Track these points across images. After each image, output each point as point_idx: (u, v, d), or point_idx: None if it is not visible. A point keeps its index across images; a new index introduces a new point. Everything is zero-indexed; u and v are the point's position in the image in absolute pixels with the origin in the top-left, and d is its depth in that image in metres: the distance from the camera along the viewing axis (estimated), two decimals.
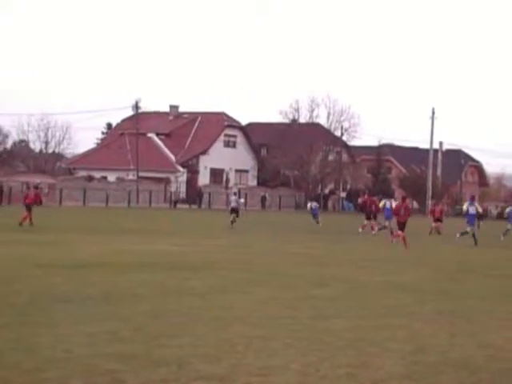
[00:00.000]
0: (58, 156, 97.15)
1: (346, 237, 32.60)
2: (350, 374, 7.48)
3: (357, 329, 9.87)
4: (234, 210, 37.44)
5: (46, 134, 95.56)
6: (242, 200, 57.02)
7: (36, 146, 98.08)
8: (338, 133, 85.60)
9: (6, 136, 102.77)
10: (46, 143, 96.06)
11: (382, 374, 7.52)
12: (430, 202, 47.42)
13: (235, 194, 45.36)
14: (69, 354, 7.91)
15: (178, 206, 69.61)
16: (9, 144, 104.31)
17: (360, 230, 34.53)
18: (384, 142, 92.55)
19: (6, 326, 9.24)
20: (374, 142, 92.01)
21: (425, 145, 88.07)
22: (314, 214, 42.91)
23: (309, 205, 45.26)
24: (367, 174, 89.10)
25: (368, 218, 35.61)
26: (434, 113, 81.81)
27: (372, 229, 34.76)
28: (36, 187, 36.75)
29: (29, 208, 31.81)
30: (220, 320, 10.21)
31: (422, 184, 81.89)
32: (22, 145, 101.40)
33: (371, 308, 11.70)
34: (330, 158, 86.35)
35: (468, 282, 16.18)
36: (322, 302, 12.21)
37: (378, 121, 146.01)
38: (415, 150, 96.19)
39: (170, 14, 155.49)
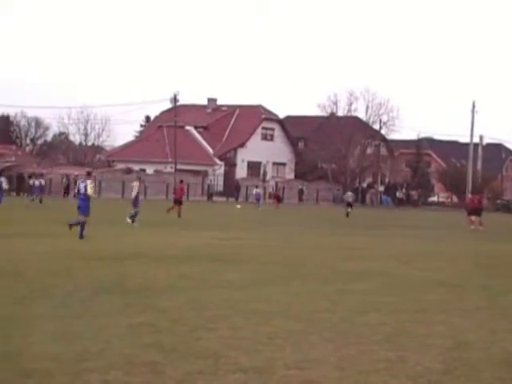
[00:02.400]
0: (97, 148, 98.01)
1: (385, 231, 32.42)
2: (388, 369, 7.46)
3: (395, 323, 9.82)
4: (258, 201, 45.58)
5: (86, 127, 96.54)
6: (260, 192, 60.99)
7: (76, 138, 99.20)
8: (376, 126, 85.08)
9: (47, 128, 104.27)
10: (86, 136, 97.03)
11: (421, 370, 7.48)
12: (469, 196, 47.23)
13: (257, 187, 47.64)
14: (108, 345, 8.00)
15: (215, 198, 69.78)
16: (49, 136, 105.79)
17: (471, 227, 35.22)
18: (423, 135, 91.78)
19: (48, 318, 9.36)
20: (412, 136, 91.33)
21: (465, 139, 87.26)
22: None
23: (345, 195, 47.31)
24: (406, 168, 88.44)
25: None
26: (474, 106, 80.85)
27: (472, 223, 35.46)
28: (181, 181, 38.12)
29: (179, 202, 32.92)
30: (258, 313, 10.23)
31: (461, 178, 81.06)
32: (62, 137, 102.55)
33: (410, 302, 11.64)
34: (369, 151, 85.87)
35: (509, 277, 15.99)
36: (361, 295, 12.17)
37: (417, 114, 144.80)
38: (455, 143, 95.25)
39: (209, 7, 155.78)
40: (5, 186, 24.79)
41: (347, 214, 44.54)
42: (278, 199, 59.60)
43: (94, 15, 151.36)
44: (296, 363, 7.53)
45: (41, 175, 49.99)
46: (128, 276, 13.49)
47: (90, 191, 21.36)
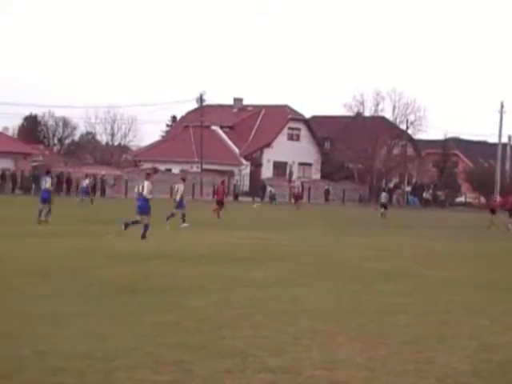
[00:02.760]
0: (123, 148, 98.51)
1: (412, 231, 32.27)
2: (416, 370, 7.41)
3: (423, 324, 9.76)
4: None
5: (113, 127, 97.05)
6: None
7: (102, 138, 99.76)
8: (403, 126, 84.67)
9: (74, 128, 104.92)
10: (112, 135, 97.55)
11: (448, 371, 7.43)
12: (498, 197, 46.97)
13: (271, 185, 49.05)
14: (136, 343, 8.02)
15: (240, 198, 69.84)
16: (76, 136, 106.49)
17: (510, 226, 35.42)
18: (450, 135, 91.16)
19: (77, 317, 9.42)
20: (439, 136, 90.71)
21: (493, 139, 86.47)
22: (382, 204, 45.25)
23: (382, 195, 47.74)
24: (432, 168, 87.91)
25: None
26: (502, 106, 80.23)
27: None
28: (222, 182, 38.67)
29: (221, 203, 33.33)
30: (284, 312, 10.22)
31: (489, 178, 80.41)
32: (89, 137, 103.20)
33: (437, 304, 11.56)
34: (395, 151, 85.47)
35: None
36: (388, 296, 12.11)
37: (444, 114, 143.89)
38: (483, 143, 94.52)
39: (233, 7, 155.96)
40: (48, 185, 25.46)
41: (382, 215, 43.68)
42: (297, 198, 59.88)
43: (122, 16, 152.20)
44: (323, 363, 7.51)
45: (87, 176, 50.68)
46: (154, 275, 13.54)
47: (145, 192, 21.68)
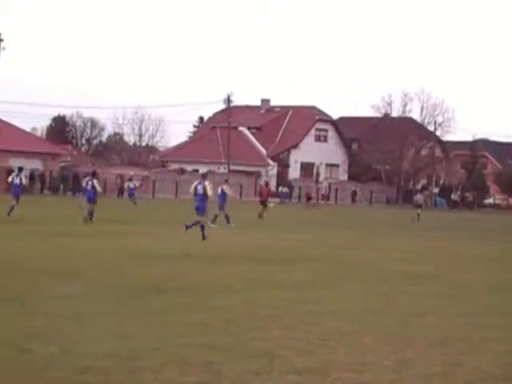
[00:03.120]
0: (151, 149, 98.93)
1: (440, 233, 32.06)
2: (445, 373, 7.35)
3: (451, 327, 9.69)
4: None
5: (140, 127, 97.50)
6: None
7: (130, 138, 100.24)
8: (431, 127, 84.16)
9: (102, 129, 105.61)
10: (140, 136, 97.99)
11: (477, 374, 7.36)
12: None
13: (283, 186, 50.94)
14: (163, 343, 8.04)
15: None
16: (104, 137, 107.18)
17: None
18: (479, 137, 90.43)
19: (103, 315, 9.47)
20: (468, 137, 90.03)
21: None
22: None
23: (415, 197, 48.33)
24: (461, 170, 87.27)
25: None
26: None
27: None
28: (266, 184, 39.26)
29: (264, 204, 33.80)
30: (311, 314, 10.20)
31: None
32: (117, 138, 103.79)
33: (465, 306, 11.47)
34: (423, 153, 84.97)
35: None
36: (415, 298, 12.03)
37: (473, 115, 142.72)
38: None
39: (262, 8, 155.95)
40: (97, 187, 26.93)
41: (417, 216, 43.20)
42: (309, 198, 60.33)
43: (151, 17, 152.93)
44: (350, 365, 7.48)
45: (132, 178, 51.77)
46: (181, 275, 13.57)
47: (209, 192, 22.06)
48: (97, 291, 11.34)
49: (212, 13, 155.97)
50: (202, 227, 21.64)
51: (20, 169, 30.15)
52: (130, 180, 49.25)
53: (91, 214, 26.49)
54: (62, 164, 71.23)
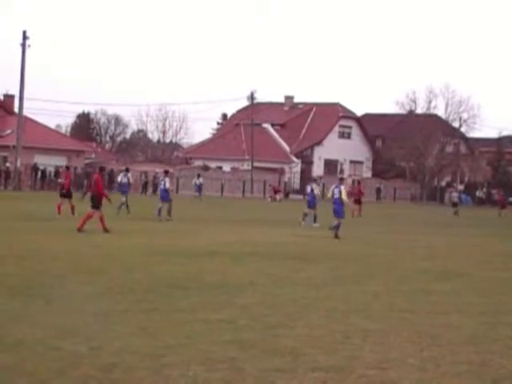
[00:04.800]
0: (174, 146, 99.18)
1: (464, 230, 31.83)
2: (471, 372, 7.30)
3: (477, 325, 9.62)
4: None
5: (164, 124, 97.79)
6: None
7: (154, 135, 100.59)
8: (456, 124, 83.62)
9: (126, 126, 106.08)
10: (164, 133, 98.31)
11: (504, 373, 7.30)
12: None
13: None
14: (188, 340, 8.06)
15: (291, 196, 69.78)
16: (128, 134, 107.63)
17: None
18: (505, 133, 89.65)
19: (129, 312, 9.51)
20: (494, 134, 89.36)
21: None
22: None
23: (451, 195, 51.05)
24: (486, 167, 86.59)
25: None
26: None
27: None
28: (359, 182, 40.22)
29: (359, 202, 36.22)
30: (335, 311, 10.17)
31: None
32: (141, 135, 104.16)
33: (492, 304, 11.38)
34: (448, 149, 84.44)
35: None
36: (441, 296, 11.96)
37: (500, 112, 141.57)
38: None
39: (284, 5, 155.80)
40: (168, 185, 28.89)
41: (455, 213, 45.59)
42: (276, 191, 60.93)
43: (174, 16, 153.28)
44: (375, 363, 7.45)
45: (199, 175, 53.27)
46: (205, 272, 13.59)
47: (344, 197, 23.29)
48: (122, 288, 11.38)
49: (238, 9, 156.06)
50: (337, 227, 22.80)
51: (127, 169, 33.08)
52: (198, 177, 50.81)
53: (159, 211, 27.69)
54: (87, 161, 71.61)
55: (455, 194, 51.22)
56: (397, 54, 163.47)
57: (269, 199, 59.55)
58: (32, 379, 6.52)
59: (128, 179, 31.40)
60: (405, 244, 22.43)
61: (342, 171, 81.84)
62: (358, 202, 38.25)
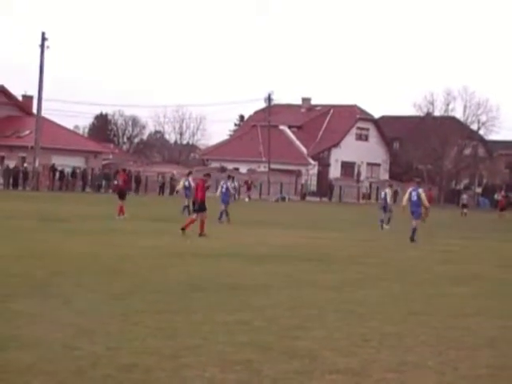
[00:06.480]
0: (191, 147, 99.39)
1: (481, 233, 31.66)
2: (490, 375, 7.25)
3: (497, 328, 9.55)
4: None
5: (181, 126, 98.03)
6: None
7: (171, 137, 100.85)
8: (474, 126, 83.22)
9: (143, 127, 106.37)
10: (181, 134, 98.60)
11: None
12: None
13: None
14: (205, 341, 8.06)
15: (308, 198, 69.69)
16: (145, 135, 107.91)
17: None
18: None
19: (147, 313, 9.52)
20: None
21: None
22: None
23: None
24: (505, 170, 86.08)
25: None
26: None
27: None
28: (430, 188, 41.02)
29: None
30: (353, 314, 10.14)
31: None
32: (158, 136, 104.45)
33: (511, 307, 11.30)
34: (466, 152, 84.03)
35: None
36: (461, 299, 11.89)
37: None
38: None
39: (302, 7, 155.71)
40: (193, 184, 30.64)
41: (462, 215, 48.31)
42: (249, 188, 60.67)
43: (191, 16, 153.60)
44: (393, 366, 7.42)
45: (232, 177, 53.27)
46: (223, 273, 13.60)
47: (424, 201, 23.80)
48: (140, 289, 11.40)
49: (258, 9, 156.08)
50: (414, 230, 23.29)
51: (189, 173, 34.84)
52: (233, 180, 51.03)
53: (226, 213, 28.46)
54: (104, 162, 71.86)
55: (465, 196, 54.49)
56: (415, 55, 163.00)
57: (246, 199, 57.99)
58: (50, 379, 6.54)
59: (189, 183, 32.40)
60: (422, 247, 22.34)
61: (359, 173, 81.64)
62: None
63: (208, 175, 24.15)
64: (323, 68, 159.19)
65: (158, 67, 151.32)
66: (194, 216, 22.57)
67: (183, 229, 21.53)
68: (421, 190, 23.95)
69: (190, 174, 32.31)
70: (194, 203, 23.04)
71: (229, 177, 31.68)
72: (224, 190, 29.36)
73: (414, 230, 23.33)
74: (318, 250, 19.12)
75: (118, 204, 28.52)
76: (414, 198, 23.69)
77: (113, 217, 27.59)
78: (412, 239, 23.17)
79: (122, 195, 28.70)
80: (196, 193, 22.94)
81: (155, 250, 17.16)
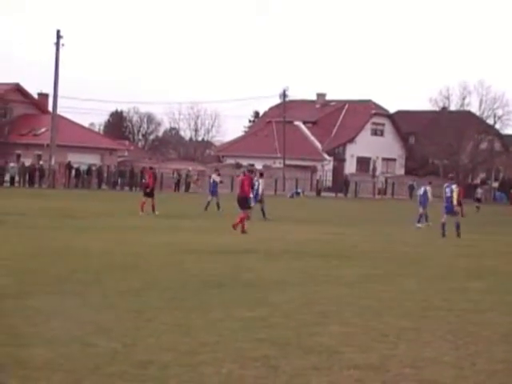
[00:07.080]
0: (206, 144, 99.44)
1: (498, 228, 31.50)
2: (507, 370, 7.23)
3: None
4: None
5: (196, 122, 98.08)
6: None
7: (186, 133, 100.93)
8: (490, 121, 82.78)
9: (159, 124, 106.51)
10: (196, 131, 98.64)
11: None
12: None
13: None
14: (222, 337, 8.07)
15: (323, 194, 69.58)
16: (161, 132, 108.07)
17: None
18: None
19: (163, 310, 9.54)
20: None
21: None
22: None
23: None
24: None
25: None
26: None
27: None
28: (458, 183, 41.53)
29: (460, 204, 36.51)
30: (370, 309, 10.12)
31: None
32: (173, 132, 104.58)
33: None
34: (482, 146, 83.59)
35: None
36: (478, 294, 11.85)
37: None
38: None
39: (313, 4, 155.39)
40: (218, 181, 33.73)
41: (477, 208, 48.84)
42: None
43: (207, 12, 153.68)
44: (410, 361, 7.40)
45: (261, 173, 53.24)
46: (239, 270, 13.59)
47: (456, 195, 24.12)
48: (156, 286, 11.43)
49: (273, 5, 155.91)
50: (458, 226, 23.68)
51: (216, 170, 36.83)
52: (261, 175, 51.10)
53: (263, 212, 28.84)
54: (120, 159, 72.03)
55: (479, 190, 55.33)
56: (430, 50, 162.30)
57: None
58: (68, 375, 6.57)
59: (218, 180, 34.02)
60: (434, 241, 22.27)
61: (374, 168, 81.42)
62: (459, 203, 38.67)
63: (251, 171, 24.41)
64: (338, 63, 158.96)
65: (173, 65, 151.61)
66: (248, 212, 23.01)
67: (243, 231, 21.37)
68: (454, 186, 24.37)
69: (216, 170, 34.48)
70: (239, 199, 22.79)
71: (261, 174, 31.43)
72: (256, 187, 29.24)
73: (458, 226, 23.67)
74: (333, 246, 19.10)
75: (141, 201, 29.06)
76: (448, 193, 24.24)
77: (131, 214, 27.75)
78: (458, 235, 23.49)
79: (149, 193, 29.36)
80: (242, 188, 23.01)
81: (171, 246, 17.19)
